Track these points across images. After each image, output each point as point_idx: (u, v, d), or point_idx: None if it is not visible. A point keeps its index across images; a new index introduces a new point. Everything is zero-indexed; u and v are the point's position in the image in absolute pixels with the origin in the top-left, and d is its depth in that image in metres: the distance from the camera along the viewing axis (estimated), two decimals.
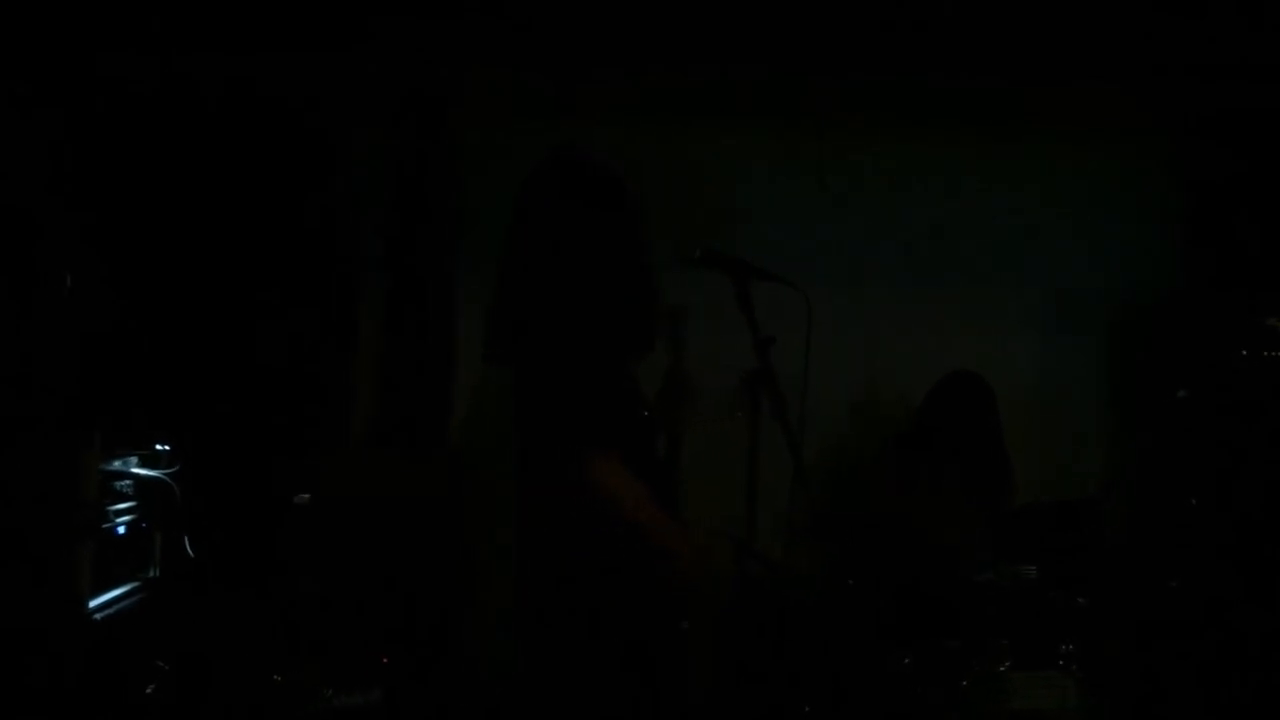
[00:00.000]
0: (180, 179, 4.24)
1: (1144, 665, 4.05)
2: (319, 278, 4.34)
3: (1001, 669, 3.40)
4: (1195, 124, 4.61)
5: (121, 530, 3.33)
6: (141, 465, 3.47)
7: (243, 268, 4.25)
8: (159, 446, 3.55)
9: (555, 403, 2.51)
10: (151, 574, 3.48)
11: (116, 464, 3.37)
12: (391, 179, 4.45)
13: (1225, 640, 3.96)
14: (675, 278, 2.91)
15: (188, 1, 4.07)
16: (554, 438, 2.52)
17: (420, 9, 4.19)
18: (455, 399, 4.35)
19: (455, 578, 3.85)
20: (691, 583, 2.57)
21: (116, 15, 4.07)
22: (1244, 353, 4.11)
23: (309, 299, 4.30)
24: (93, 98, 4.13)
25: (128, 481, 3.40)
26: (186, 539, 3.54)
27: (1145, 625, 4.07)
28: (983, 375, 4.07)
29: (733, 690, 3.86)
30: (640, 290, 2.69)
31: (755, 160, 4.58)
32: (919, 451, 4.07)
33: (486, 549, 3.74)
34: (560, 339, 2.54)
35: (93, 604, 3.13)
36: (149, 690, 3.23)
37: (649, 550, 2.54)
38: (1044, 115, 4.60)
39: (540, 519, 2.60)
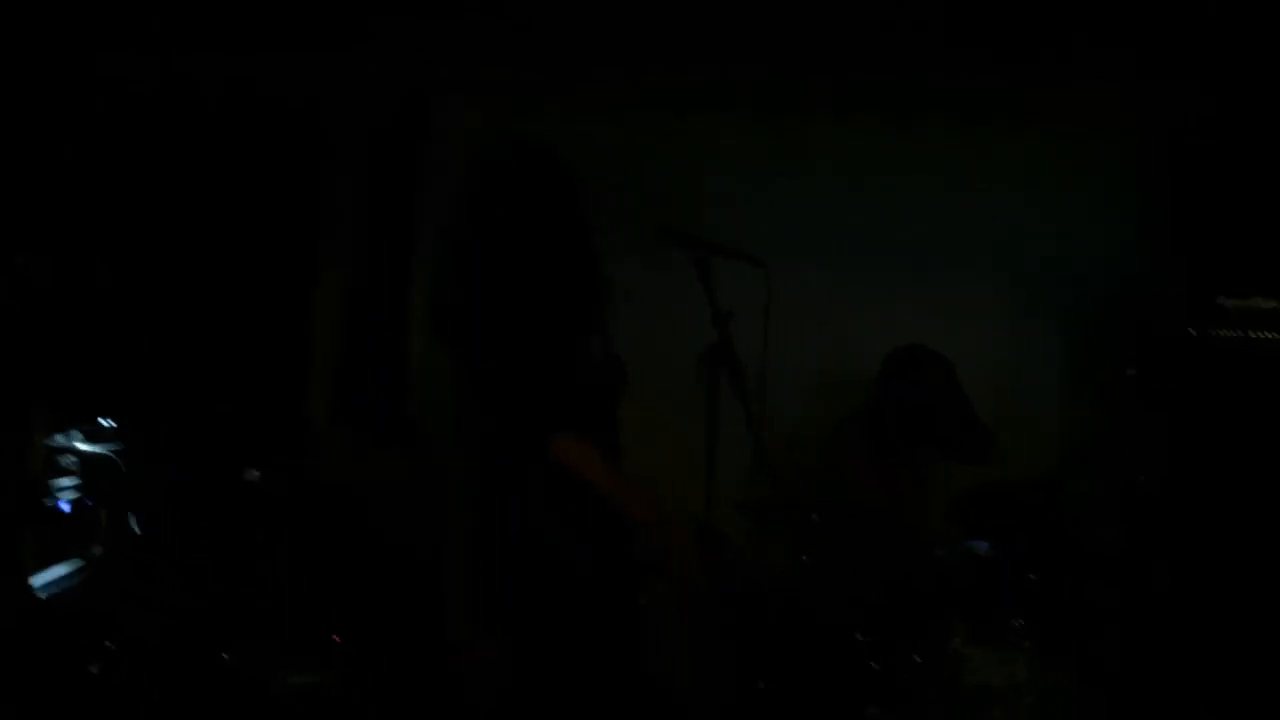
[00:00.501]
0: (131, 156, 4.16)
1: (1096, 641, 4.11)
2: (275, 254, 4.29)
3: (956, 645, 3.44)
4: (1148, 110, 4.66)
5: (66, 507, 3.27)
6: (86, 441, 3.41)
7: (196, 242, 4.19)
8: (104, 422, 3.48)
9: (514, 386, 2.50)
10: (96, 552, 3.42)
11: (60, 439, 3.30)
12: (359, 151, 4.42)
13: (1174, 614, 4.03)
14: (634, 254, 2.89)
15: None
16: (515, 420, 2.50)
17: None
18: (413, 378, 4.32)
19: (411, 556, 3.83)
20: (666, 550, 2.59)
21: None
22: (1193, 332, 4.16)
23: (264, 274, 4.25)
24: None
25: (71, 458, 3.33)
26: (132, 516, 3.48)
27: (1096, 601, 4.13)
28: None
29: (698, 668, 3.87)
30: (589, 272, 2.67)
31: (717, 139, 4.58)
32: (874, 429, 4.08)
33: (443, 527, 3.73)
34: (514, 323, 2.52)
35: (36, 582, 3.07)
36: (94, 670, 3.17)
37: (618, 525, 2.54)
38: (1003, 102, 4.62)
39: (504, 500, 2.59)
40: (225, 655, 3.36)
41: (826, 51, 4.49)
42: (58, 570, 3.21)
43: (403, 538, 3.81)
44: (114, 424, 3.49)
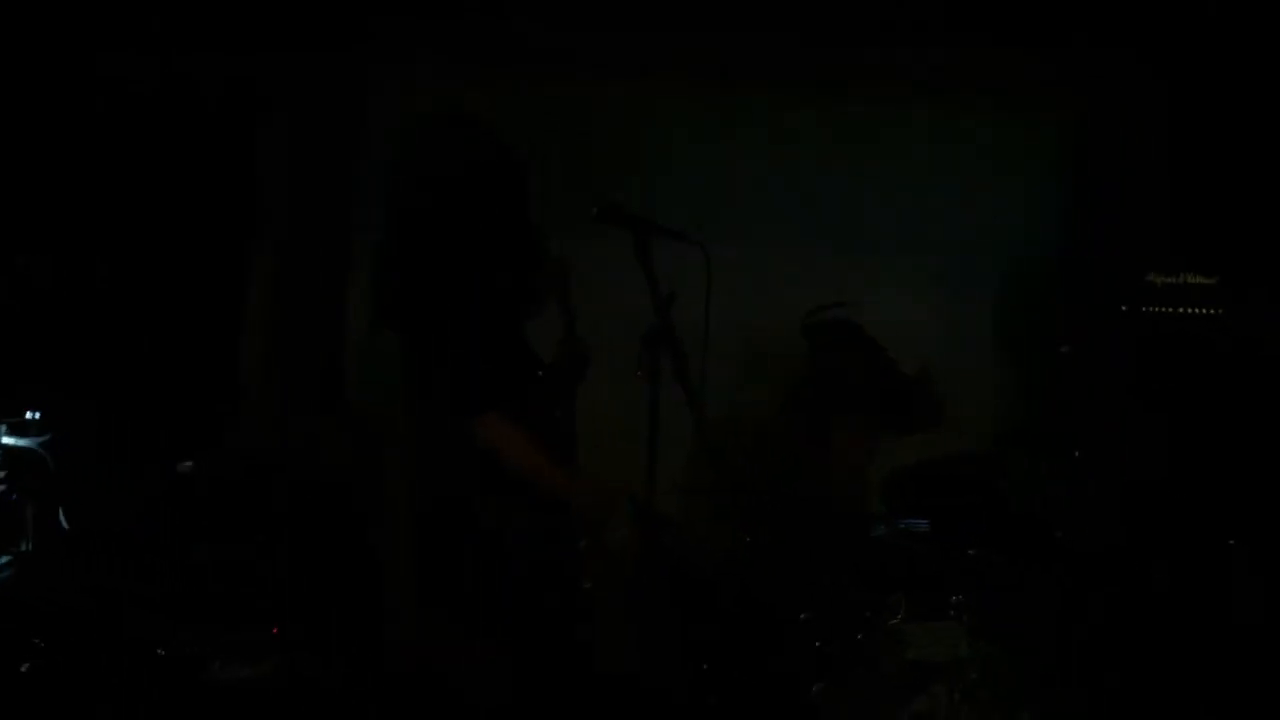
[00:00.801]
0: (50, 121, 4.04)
1: (1033, 614, 4.17)
2: (207, 237, 4.20)
3: (895, 621, 3.46)
4: (1080, 84, 4.70)
5: None
6: (10, 434, 3.32)
7: (123, 227, 4.10)
8: (29, 414, 3.39)
9: (440, 365, 2.49)
10: (24, 547, 3.33)
11: None
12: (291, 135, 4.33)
13: (1110, 589, 4.09)
14: (573, 234, 2.85)
15: None
16: (440, 400, 2.48)
17: None
18: (350, 361, 4.26)
19: (350, 544, 3.77)
20: (593, 522, 2.59)
21: None
22: (1124, 308, 4.22)
23: (197, 257, 4.16)
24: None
25: None
26: (60, 510, 3.39)
27: (1034, 576, 4.19)
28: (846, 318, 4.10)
29: (638, 649, 3.86)
30: (523, 249, 2.65)
31: (655, 115, 4.55)
32: (809, 406, 4.08)
33: (382, 514, 3.67)
34: (443, 301, 2.49)
35: None
36: (24, 668, 3.09)
37: (546, 503, 2.54)
38: (936, 78, 4.65)
39: (433, 481, 2.56)
40: (159, 650, 3.29)
41: (760, 23, 4.48)
42: None
43: (341, 521, 3.75)
44: (38, 416, 3.40)
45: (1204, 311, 4.18)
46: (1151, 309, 4.19)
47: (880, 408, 4.04)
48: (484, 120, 2.66)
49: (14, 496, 3.29)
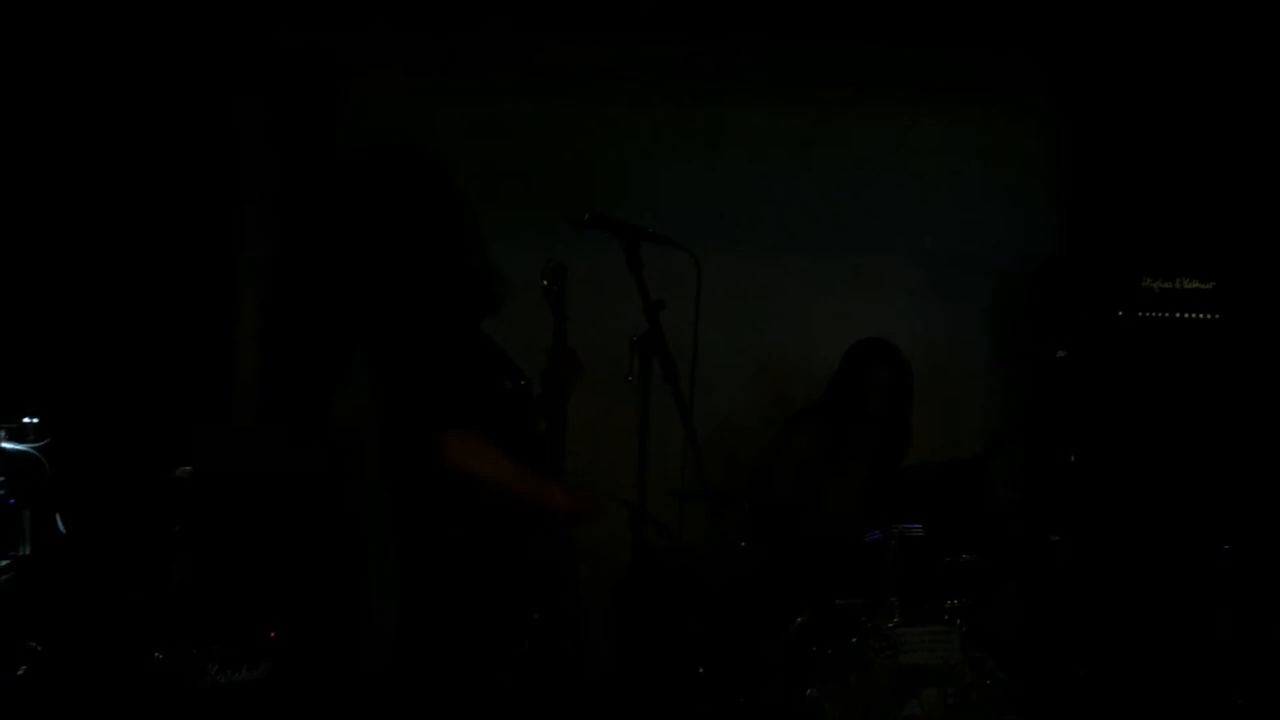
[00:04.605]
0: (50, 135, 4.06)
1: (1027, 618, 4.18)
2: (198, 248, 4.22)
3: (890, 625, 3.48)
4: (1074, 91, 4.71)
5: None
6: (8, 439, 3.33)
7: (119, 235, 4.11)
8: (26, 420, 3.40)
9: (407, 387, 2.48)
10: (22, 551, 3.34)
11: None
12: (277, 151, 4.34)
13: (1104, 591, 4.10)
14: (564, 242, 2.87)
15: None
16: (409, 423, 2.49)
17: None
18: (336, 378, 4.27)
19: (340, 552, 3.79)
20: (579, 525, 2.60)
21: None
22: (1120, 314, 4.22)
23: (187, 268, 4.18)
24: None
25: None
26: (58, 515, 3.41)
27: (1028, 579, 4.20)
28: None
29: (628, 655, 3.88)
30: (470, 254, 2.65)
31: (645, 125, 4.57)
32: (827, 420, 4.08)
33: (370, 524, 3.70)
34: (403, 322, 2.51)
35: None
36: (20, 672, 3.11)
37: (531, 520, 2.54)
38: (928, 85, 4.66)
39: (409, 502, 2.58)
40: (158, 654, 3.31)
41: (749, 32, 4.49)
42: None
43: (328, 531, 3.77)
44: (36, 421, 3.41)
45: (1197, 316, 4.19)
46: (1145, 314, 4.20)
47: (884, 439, 4.07)
48: (415, 145, 2.67)
49: (11, 501, 3.30)
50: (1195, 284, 4.21)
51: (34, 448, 3.37)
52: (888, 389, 3.99)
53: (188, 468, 3.72)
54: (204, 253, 4.26)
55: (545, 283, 2.73)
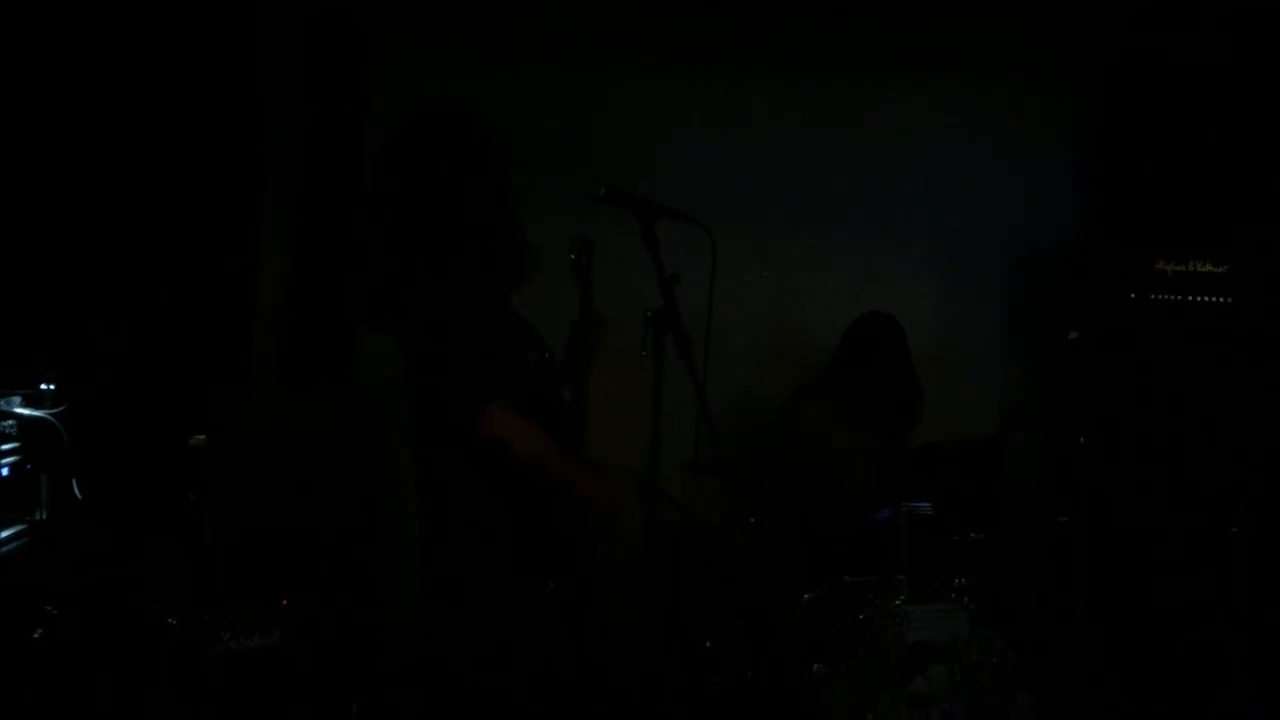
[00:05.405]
0: (68, 92, 4.05)
1: (1036, 597, 4.19)
2: (221, 214, 4.22)
3: (898, 603, 3.49)
4: (1094, 73, 4.69)
5: (4, 472, 3.21)
6: (25, 405, 3.34)
7: (140, 200, 4.11)
8: (43, 385, 3.41)
9: (440, 360, 2.48)
10: (38, 516, 3.36)
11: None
12: (303, 113, 4.33)
13: (1113, 573, 4.11)
14: (580, 216, 2.87)
15: None
16: (443, 396, 2.49)
17: None
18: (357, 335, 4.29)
19: (359, 519, 3.81)
20: (604, 511, 2.59)
21: None
22: (1132, 295, 4.22)
23: (210, 234, 4.19)
24: None
25: (10, 422, 3.27)
26: (74, 481, 3.43)
27: (1037, 560, 4.21)
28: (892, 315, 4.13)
29: (641, 629, 3.90)
30: (501, 223, 2.64)
31: (663, 100, 4.56)
32: (831, 396, 4.10)
33: (390, 491, 3.72)
34: (434, 292, 2.50)
35: None
36: (36, 635, 3.13)
37: (556, 492, 2.54)
38: (948, 63, 4.64)
39: (441, 474, 2.58)
40: (171, 620, 3.33)
41: (777, 10, 4.48)
42: None
43: (346, 499, 3.79)
44: (53, 387, 3.42)
45: (1211, 299, 4.18)
46: (1159, 296, 4.19)
47: (884, 406, 4.07)
48: (465, 109, 2.64)
49: (29, 466, 3.31)
50: (1208, 267, 4.20)
51: (51, 413, 3.38)
52: (885, 361, 4.00)
53: (202, 436, 3.73)
54: (227, 219, 4.25)
55: (573, 257, 2.73)
